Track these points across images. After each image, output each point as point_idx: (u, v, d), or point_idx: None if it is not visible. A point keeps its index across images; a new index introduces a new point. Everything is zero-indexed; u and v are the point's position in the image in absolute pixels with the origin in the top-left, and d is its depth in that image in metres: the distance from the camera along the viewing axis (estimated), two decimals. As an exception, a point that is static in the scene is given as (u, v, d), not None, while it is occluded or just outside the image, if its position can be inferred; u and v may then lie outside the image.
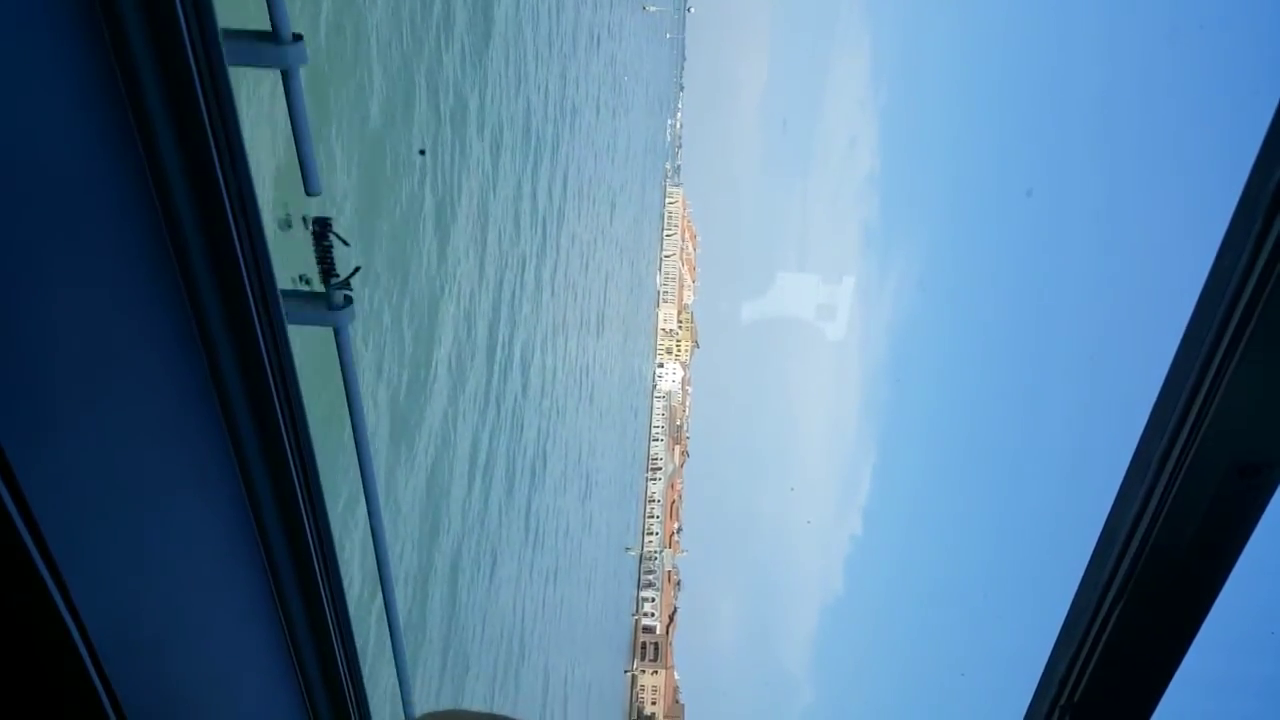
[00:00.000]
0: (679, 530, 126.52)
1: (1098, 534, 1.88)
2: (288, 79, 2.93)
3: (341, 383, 3.22)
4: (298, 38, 2.86)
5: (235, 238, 1.57)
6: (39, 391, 1.26)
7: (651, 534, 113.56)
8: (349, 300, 3.24)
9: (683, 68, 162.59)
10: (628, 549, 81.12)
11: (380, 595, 3.81)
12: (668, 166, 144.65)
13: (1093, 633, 1.89)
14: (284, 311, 1.79)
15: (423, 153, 16.74)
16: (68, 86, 1.28)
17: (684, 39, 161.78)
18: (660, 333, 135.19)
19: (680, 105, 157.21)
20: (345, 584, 2.25)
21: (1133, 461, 1.76)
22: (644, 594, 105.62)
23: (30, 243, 1.22)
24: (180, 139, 1.45)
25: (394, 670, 3.92)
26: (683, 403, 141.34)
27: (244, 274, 1.62)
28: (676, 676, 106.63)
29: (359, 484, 3.46)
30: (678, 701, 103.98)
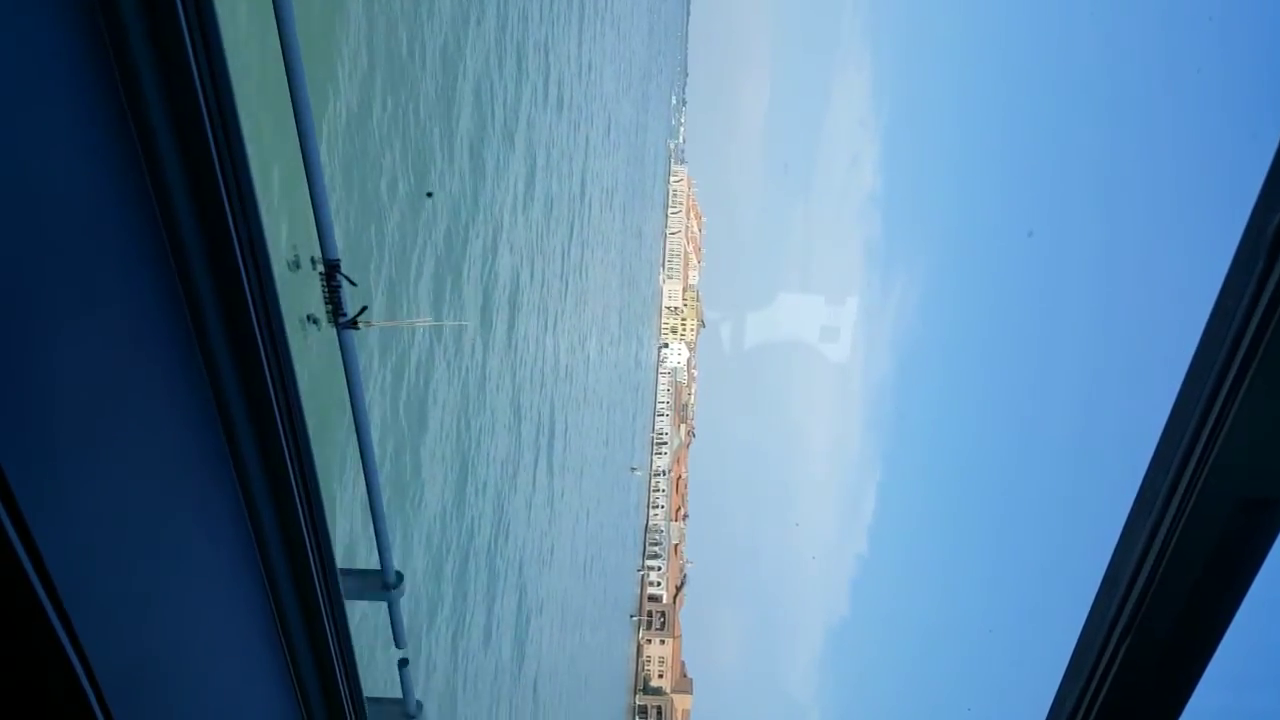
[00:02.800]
0: (685, 517, 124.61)
1: (1105, 560, 1.85)
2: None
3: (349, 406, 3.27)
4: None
5: (244, 278, 1.62)
6: (47, 425, 1.28)
7: (657, 507, 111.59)
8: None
9: (685, 84, 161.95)
10: (633, 469, 78.65)
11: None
12: (672, 146, 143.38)
13: (1101, 666, 1.88)
14: (290, 343, 1.81)
15: (430, 195, 16.91)
16: (91, 154, 1.34)
17: (686, 55, 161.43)
18: (665, 311, 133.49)
19: (683, 120, 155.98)
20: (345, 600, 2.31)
21: (1138, 496, 1.74)
22: (650, 563, 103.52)
23: (43, 282, 1.25)
24: (190, 179, 1.49)
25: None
26: (688, 384, 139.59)
27: (251, 311, 1.66)
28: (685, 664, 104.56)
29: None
30: (685, 675, 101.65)
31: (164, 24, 1.35)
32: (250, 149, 1.56)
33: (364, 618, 13.61)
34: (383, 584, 3.39)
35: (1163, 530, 1.68)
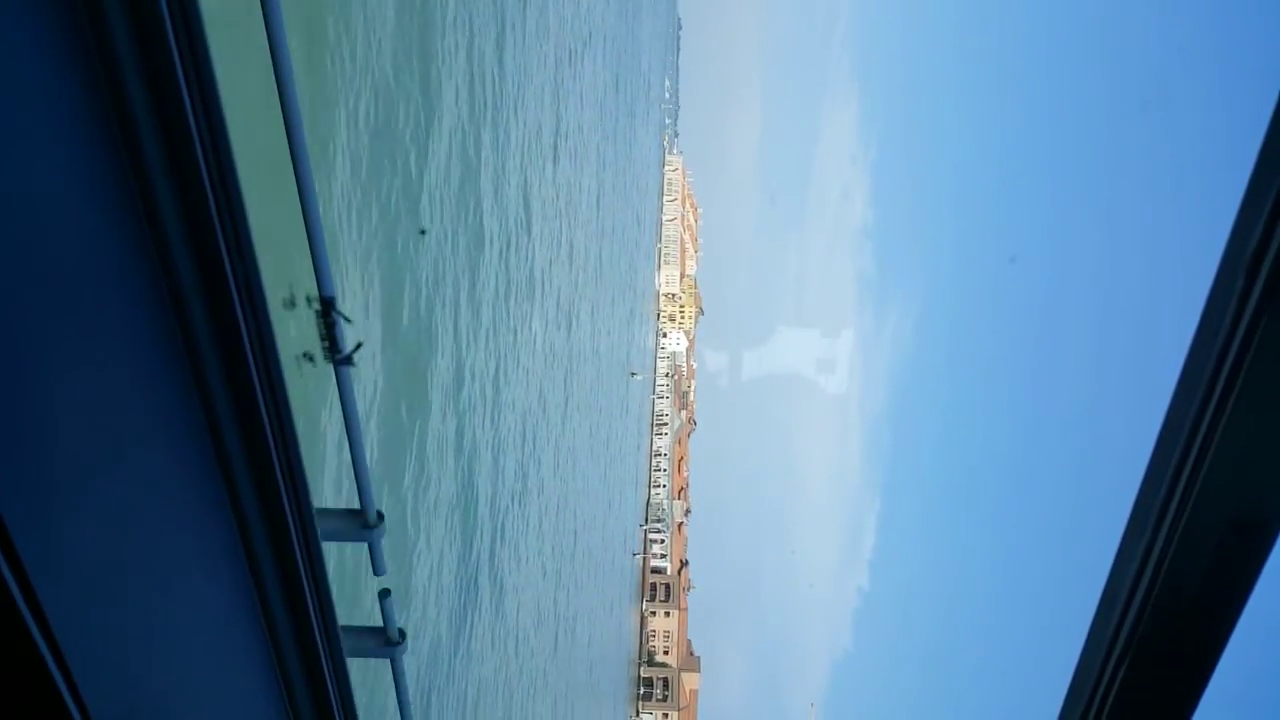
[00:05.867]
0: (688, 512, 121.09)
1: (1102, 584, 1.87)
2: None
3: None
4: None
5: (239, 314, 1.63)
6: (44, 463, 1.29)
7: (659, 486, 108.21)
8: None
9: (677, 116, 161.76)
10: (633, 374, 75.07)
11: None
12: (666, 139, 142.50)
13: (1100, 689, 1.89)
14: (287, 384, 1.82)
15: (423, 232, 17.08)
16: (83, 179, 1.35)
17: (678, 92, 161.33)
18: (664, 298, 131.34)
19: (677, 149, 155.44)
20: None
21: (1130, 520, 1.76)
22: (652, 535, 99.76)
23: (41, 322, 1.26)
24: (186, 224, 1.51)
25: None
26: (688, 374, 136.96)
27: (247, 349, 1.67)
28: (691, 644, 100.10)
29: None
30: (692, 654, 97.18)
31: (158, 63, 1.37)
32: (245, 186, 1.57)
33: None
34: (364, 524, 3.07)
35: (1155, 552, 1.67)
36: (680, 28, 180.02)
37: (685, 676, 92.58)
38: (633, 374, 74.35)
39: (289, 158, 2.54)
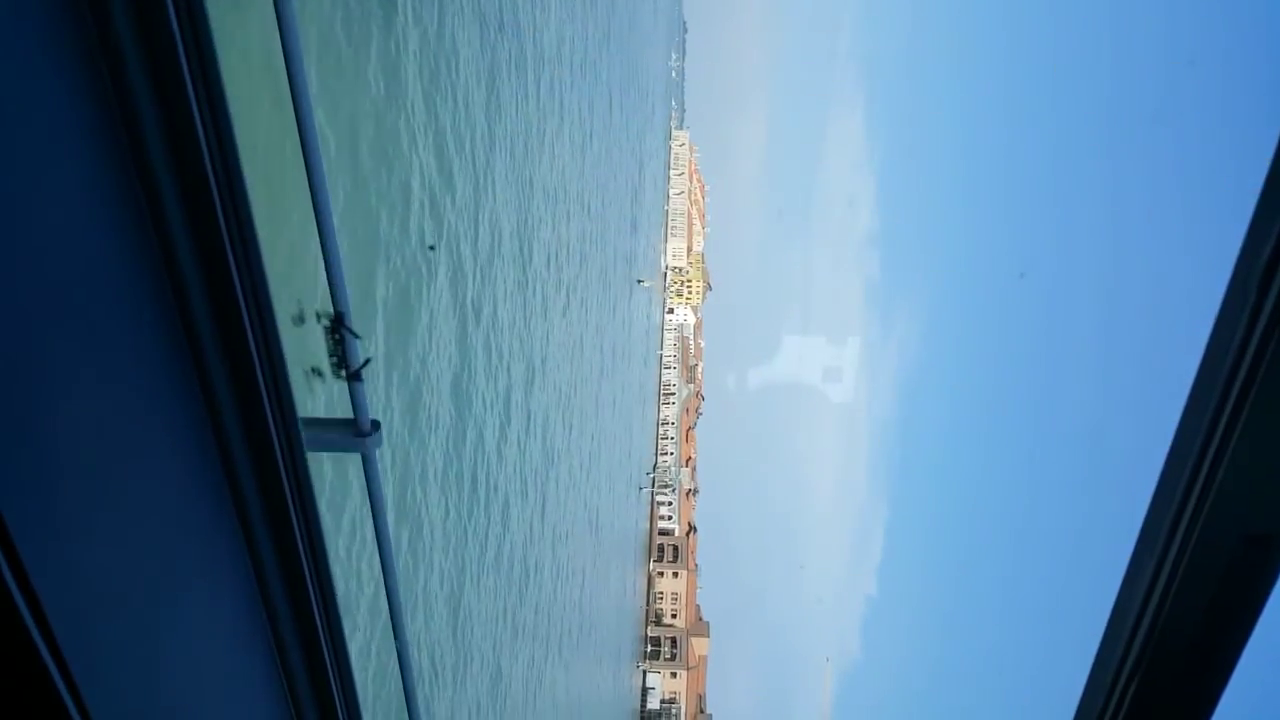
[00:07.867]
0: (695, 492, 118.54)
1: (1112, 596, 1.86)
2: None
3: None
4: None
5: (250, 336, 1.65)
6: (52, 480, 1.29)
7: (666, 454, 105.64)
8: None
9: (684, 106, 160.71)
10: (640, 281, 71.93)
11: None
12: (673, 113, 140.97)
13: (1111, 706, 1.89)
14: (295, 402, 1.83)
15: (432, 248, 17.06)
16: (93, 201, 1.37)
17: (684, 98, 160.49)
18: (671, 271, 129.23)
19: (685, 125, 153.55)
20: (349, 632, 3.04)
21: (1141, 534, 1.76)
22: (660, 498, 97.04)
23: (50, 334, 1.27)
24: (194, 235, 1.52)
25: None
26: (695, 350, 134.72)
27: (257, 368, 1.68)
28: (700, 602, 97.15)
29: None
30: (701, 619, 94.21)
31: (165, 71, 1.37)
32: (255, 203, 1.58)
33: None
34: (356, 432, 2.90)
35: (1166, 568, 1.66)
36: (686, 30, 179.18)
37: (694, 641, 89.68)
38: (639, 280, 71.44)
39: (303, 170, 2.38)
